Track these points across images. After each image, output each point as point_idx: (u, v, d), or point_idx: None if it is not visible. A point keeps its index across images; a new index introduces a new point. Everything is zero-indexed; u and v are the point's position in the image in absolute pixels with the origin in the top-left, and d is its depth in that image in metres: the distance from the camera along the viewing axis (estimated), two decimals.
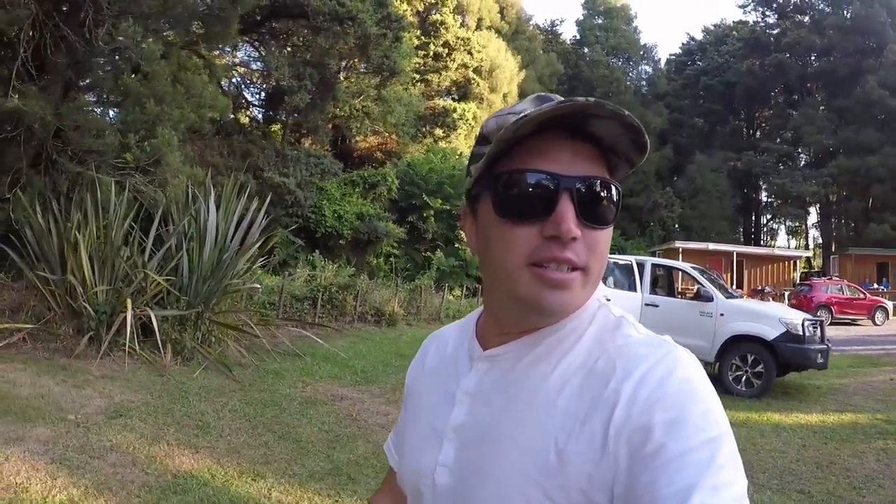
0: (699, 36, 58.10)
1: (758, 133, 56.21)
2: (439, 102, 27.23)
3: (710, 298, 9.93)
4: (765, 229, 57.77)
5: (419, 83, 25.32)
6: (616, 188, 0.83)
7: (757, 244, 47.97)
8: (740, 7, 55.58)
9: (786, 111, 52.31)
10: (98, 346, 7.03)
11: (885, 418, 7.80)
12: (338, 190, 18.38)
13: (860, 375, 11.27)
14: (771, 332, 9.12)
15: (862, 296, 25.73)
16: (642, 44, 53.27)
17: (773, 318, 9.42)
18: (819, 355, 9.08)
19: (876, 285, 32.34)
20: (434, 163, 22.34)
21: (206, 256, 8.57)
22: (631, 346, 0.79)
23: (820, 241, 56.03)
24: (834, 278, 29.66)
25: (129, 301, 7.33)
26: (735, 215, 50.97)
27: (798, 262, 38.04)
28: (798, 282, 33.56)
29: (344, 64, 16.63)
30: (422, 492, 0.92)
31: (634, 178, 44.11)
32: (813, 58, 49.67)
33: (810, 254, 42.90)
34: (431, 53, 26.34)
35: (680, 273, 13.60)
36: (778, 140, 50.75)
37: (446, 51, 27.60)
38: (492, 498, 0.81)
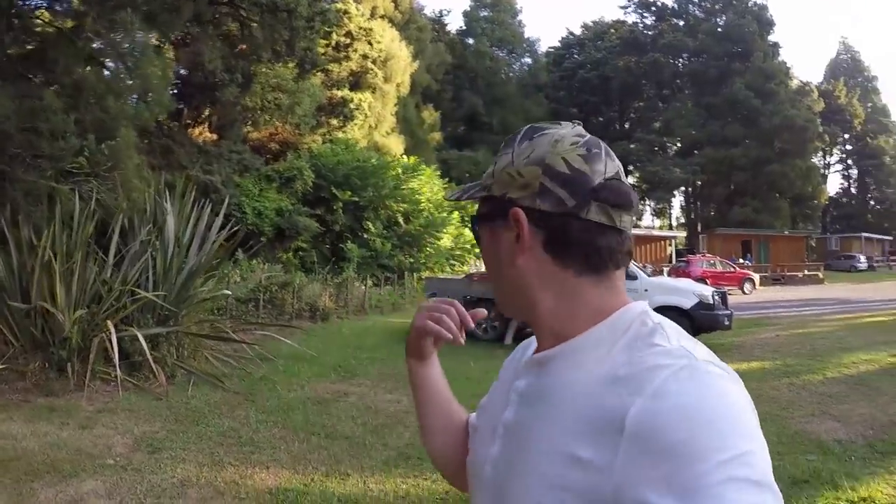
0: (578, 31, 60.52)
1: (628, 125, 59.43)
2: (337, 93, 26.99)
3: (634, 277, 11.34)
4: None
5: (319, 73, 25.02)
6: (473, 216, 1.00)
7: None
8: (621, 8, 59.09)
9: (658, 105, 56.31)
10: (75, 379, 6.67)
11: (783, 363, 9.69)
12: (255, 186, 18.10)
13: (751, 334, 13.27)
14: (687, 303, 11.09)
15: (732, 269, 29.68)
16: (526, 37, 54.83)
17: (688, 291, 11.36)
18: (726, 319, 11.25)
19: (741, 260, 35.93)
20: (340, 155, 22.27)
21: (172, 266, 8.37)
22: (652, 356, 0.78)
23: (683, 221, 60.71)
24: (707, 255, 33.24)
25: (109, 323, 7.01)
26: None
27: (674, 241, 41.03)
28: (675, 259, 36.54)
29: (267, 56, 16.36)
30: (476, 478, 0.98)
31: None
32: (686, 58, 53.39)
33: (684, 234, 46.17)
34: (333, 43, 26.02)
35: None
36: (650, 131, 54.20)
37: (348, 41, 27.37)
38: (516, 496, 0.84)
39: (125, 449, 5.23)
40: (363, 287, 17.46)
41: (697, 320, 10.82)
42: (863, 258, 46.34)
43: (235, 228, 11.49)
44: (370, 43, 28.80)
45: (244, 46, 14.83)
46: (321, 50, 26.42)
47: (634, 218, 0.89)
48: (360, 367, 9.00)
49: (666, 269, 30.64)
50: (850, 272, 42.72)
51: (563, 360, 0.86)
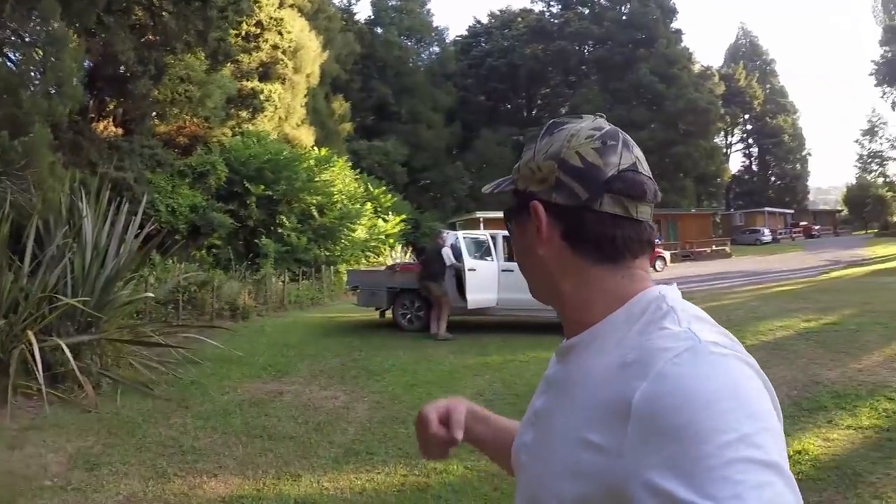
0: (485, 20, 61.10)
1: (534, 111, 60.48)
2: (247, 84, 26.38)
3: None
4: None
5: (230, 64, 24.39)
6: (506, 214, 1.04)
7: None
8: None
9: (565, 91, 57.75)
10: None
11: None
12: (168, 182, 17.53)
13: None
14: None
15: None
16: (434, 26, 54.91)
17: None
18: None
19: None
20: (252, 147, 21.78)
21: (92, 270, 8.08)
22: (658, 340, 0.78)
23: None
24: None
25: (30, 333, 6.66)
26: None
27: None
28: None
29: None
30: (515, 467, 1.01)
31: (426, 154, 45.94)
32: (592, 45, 54.78)
33: None
34: (244, 33, 25.38)
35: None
36: (557, 117, 54.74)
37: (259, 30, 26.75)
38: (539, 480, 0.88)
39: (61, 468, 5.00)
40: (281, 283, 17.24)
41: None
42: (767, 231, 49.24)
43: (152, 227, 11.21)
44: (280, 33, 28.23)
45: (155, 37, 14.32)
46: (231, 40, 25.87)
47: (651, 207, 0.93)
48: (290, 364, 8.97)
49: None
50: (756, 245, 45.42)
51: (584, 347, 0.89)
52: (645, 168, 0.93)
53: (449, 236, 12.08)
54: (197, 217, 17.57)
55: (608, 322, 0.87)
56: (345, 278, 18.98)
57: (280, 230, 20.78)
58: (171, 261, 14.71)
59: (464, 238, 11.84)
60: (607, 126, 0.94)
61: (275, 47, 28.27)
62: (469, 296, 11.15)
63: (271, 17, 27.35)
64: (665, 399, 0.71)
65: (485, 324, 12.38)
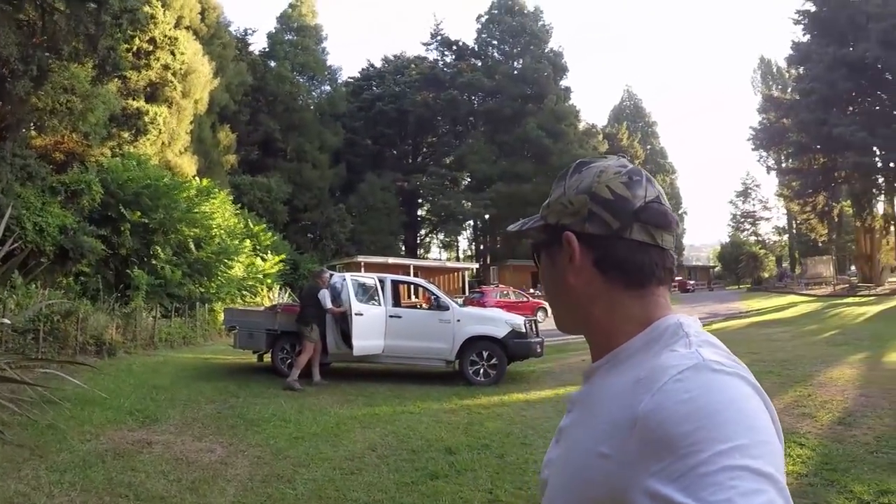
0: (379, 64, 61.46)
1: (420, 158, 61.09)
2: (133, 103, 25.22)
3: (447, 308, 11.46)
4: (419, 243, 62.82)
5: (116, 80, 23.19)
6: (534, 240, 1.11)
7: (414, 256, 51.98)
8: (424, 44, 60.50)
9: (452, 141, 58.66)
10: None
11: None
12: (38, 199, 16.23)
13: (556, 360, 13.81)
14: (501, 332, 11.21)
15: (525, 299, 30.91)
16: (328, 64, 54.50)
17: (501, 320, 11.47)
18: (538, 347, 11.48)
19: (531, 290, 37.93)
20: (132, 171, 20.63)
21: None
22: (666, 358, 0.84)
23: (471, 253, 63.36)
24: (500, 286, 34.88)
25: None
26: (399, 230, 54.73)
27: (466, 272, 42.55)
28: (469, 290, 37.81)
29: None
30: (542, 481, 1.05)
31: (309, 194, 45.29)
32: (482, 97, 55.94)
33: (477, 265, 48.10)
34: (135, 48, 24.31)
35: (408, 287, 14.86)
36: (444, 165, 56.36)
37: (151, 48, 25.71)
38: (558, 491, 0.94)
39: None
40: (152, 318, 16.24)
41: (511, 349, 11.13)
42: None
43: (14, 245, 10.24)
44: (173, 53, 27.32)
45: (42, 38, 13.29)
46: (122, 55, 24.71)
47: (674, 237, 1.00)
48: (159, 410, 8.20)
49: (461, 300, 31.70)
50: None
51: (606, 369, 0.96)
52: (666, 201, 1.00)
53: (333, 277, 11.60)
54: (66, 240, 16.24)
55: (628, 346, 0.94)
56: (220, 317, 18.15)
57: (154, 261, 19.69)
58: (34, 285, 13.63)
59: (351, 280, 11.24)
60: (631, 164, 1.03)
61: (166, 67, 27.30)
62: (355, 342, 10.57)
63: (166, 36, 26.46)
64: (666, 411, 0.76)
65: (370, 372, 12.05)
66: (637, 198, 0.97)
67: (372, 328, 10.95)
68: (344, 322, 10.85)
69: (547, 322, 27.94)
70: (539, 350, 11.52)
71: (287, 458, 6.25)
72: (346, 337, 10.86)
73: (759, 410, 0.79)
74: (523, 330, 11.29)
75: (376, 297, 11.54)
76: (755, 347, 13.63)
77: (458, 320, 11.27)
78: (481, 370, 11.09)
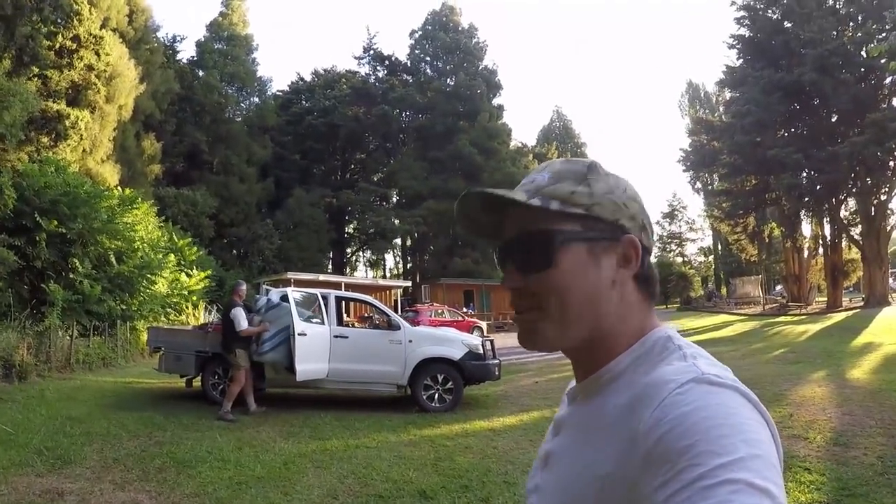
0: (309, 77, 60.29)
1: (349, 174, 60.19)
2: (53, 105, 23.62)
3: (398, 327, 10.58)
4: (346, 261, 61.71)
5: (35, 78, 21.67)
6: (540, 236, 0.94)
7: (341, 273, 50.86)
8: (356, 58, 59.67)
9: (382, 157, 57.85)
10: None
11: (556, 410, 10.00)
12: None
13: (509, 382, 13.16)
14: (457, 353, 10.38)
15: (461, 318, 30.21)
16: (258, 76, 53.04)
17: (457, 341, 10.67)
18: (496, 369, 10.72)
19: (465, 309, 37.56)
20: (49, 176, 19.14)
21: None
22: (663, 373, 0.83)
23: (398, 272, 62.48)
24: (435, 304, 34.22)
25: None
26: (328, 247, 53.55)
27: (399, 290, 41.75)
28: (401, 308, 36.89)
29: None
30: None
31: (236, 209, 43.91)
32: (413, 113, 55.42)
33: (409, 283, 47.20)
34: (57, 46, 22.76)
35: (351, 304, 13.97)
36: (374, 181, 56.14)
37: (74, 46, 24.11)
38: None
39: None
40: (68, 338, 14.95)
41: (468, 371, 10.34)
42: None
43: None
44: (98, 54, 25.74)
45: None
46: (43, 52, 23.18)
47: None
48: (74, 449, 7.09)
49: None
50: None
51: (598, 389, 0.92)
52: None
53: (271, 292, 10.61)
54: None
55: (618, 363, 0.92)
56: (143, 336, 16.94)
57: (72, 275, 18.26)
58: None
59: (293, 296, 10.08)
60: None
61: (89, 68, 25.72)
62: (298, 366, 9.44)
63: (91, 34, 24.89)
64: (668, 426, 0.75)
65: (312, 398, 11.09)
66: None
67: (316, 350, 9.91)
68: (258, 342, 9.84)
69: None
70: (497, 373, 10.79)
71: None
72: (289, 360, 9.78)
73: (758, 424, 0.77)
74: (481, 351, 10.55)
75: (319, 315, 10.57)
76: None
77: (411, 341, 10.40)
78: (436, 395, 10.26)
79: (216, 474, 6.24)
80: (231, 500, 5.51)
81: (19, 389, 11.06)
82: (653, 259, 0.97)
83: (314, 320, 10.51)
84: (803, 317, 30.23)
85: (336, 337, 10.35)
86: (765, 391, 10.05)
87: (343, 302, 12.67)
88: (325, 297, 10.82)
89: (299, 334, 9.54)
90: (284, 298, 9.97)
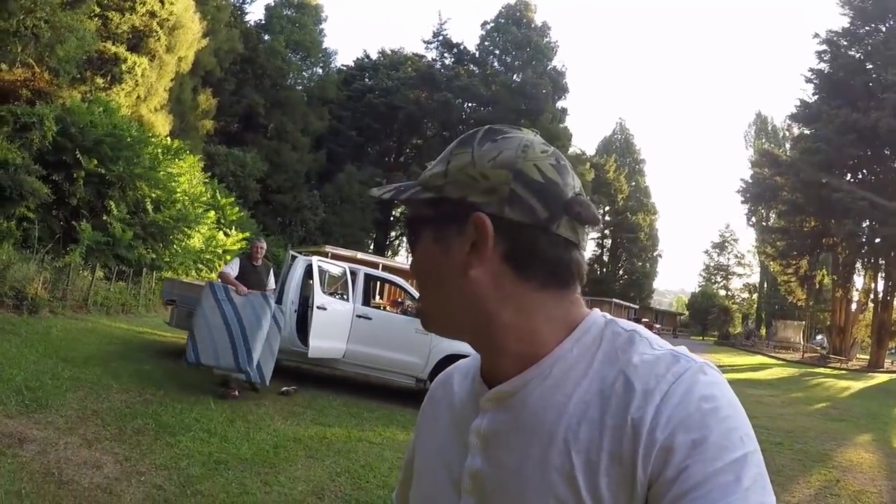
0: (374, 56, 59.86)
1: (403, 157, 59.50)
2: (111, 48, 23.35)
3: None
4: (388, 244, 61.23)
5: (96, 18, 21.37)
6: (407, 224, 0.91)
7: (381, 255, 50.19)
8: (424, 42, 58.88)
9: (438, 144, 56.86)
10: None
11: None
12: None
13: None
14: None
15: None
16: (324, 47, 52.59)
17: None
18: None
19: None
20: (96, 115, 18.73)
21: None
22: (648, 365, 0.76)
23: None
24: None
25: None
26: (371, 228, 53.02)
27: None
28: None
29: None
30: None
31: (285, 175, 43.62)
32: (476, 105, 54.35)
33: None
34: None
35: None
36: (427, 167, 54.12)
37: None
38: None
39: None
40: (90, 277, 14.50)
41: None
42: None
43: None
44: (162, 1, 25.46)
45: None
46: None
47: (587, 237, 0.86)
48: (56, 392, 6.50)
49: None
50: None
51: (535, 386, 0.81)
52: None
53: (292, 257, 9.70)
54: (5, 176, 14.36)
55: (561, 355, 0.81)
56: None
57: (105, 217, 17.91)
58: None
59: (317, 266, 9.35)
60: (551, 146, 0.86)
61: (152, 15, 25.45)
62: (312, 341, 8.61)
63: None
64: (676, 419, 0.70)
65: (324, 378, 10.33)
66: (567, 186, 0.82)
67: (334, 327, 9.11)
68: (304, 314, 9.19)
69: None
70: None
71: (196, 493, 4.52)
72: (303, 333, 9.05)
73: (746, 416, 0.75)
74: None
75: (344, 291, 9.85)
76: (751, 410, 12.39)
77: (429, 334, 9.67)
78: None
79: (196, 447, 5.53)
80: (202, 481, 4.75)
81: (26, 322, 10.56)
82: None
83: (338, 296, 9.83)
84: (843, 372, 28.79)
85: (359, 317, 9.56)
86: (808, 448, 9.32)
87: (373, 282, 11.94)
88: (353, 273, 10.04)
89: (318, 307, 8.74)
90: (309, 267, 9.25)
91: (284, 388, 8.57)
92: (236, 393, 7.75)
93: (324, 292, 9.53)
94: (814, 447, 9.28)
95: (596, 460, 0.73)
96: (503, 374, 0.84)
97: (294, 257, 9.86)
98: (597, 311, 0.87)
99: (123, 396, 6.90)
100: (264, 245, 8.55)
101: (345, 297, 9.76)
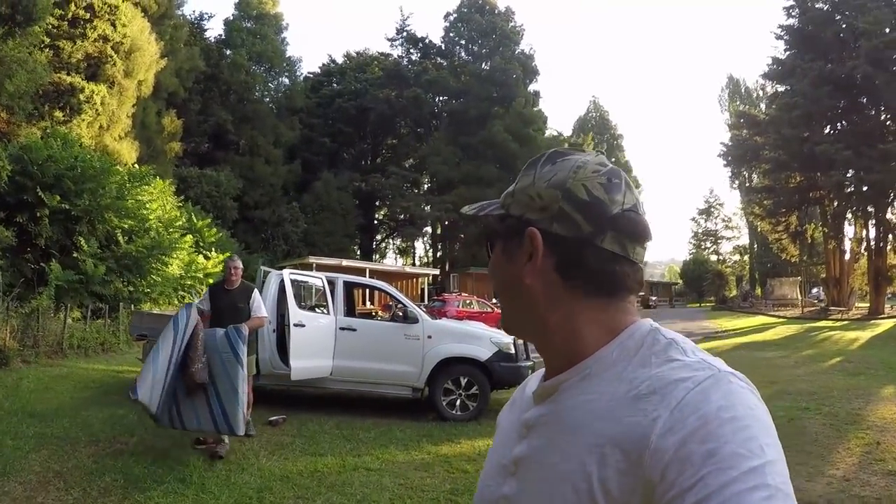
0: (340, 60, 59.20)
1: (379, 159, 59.00)
2: (66, 78, 22.56)
3: (415, 320, 9.03)
4: (375, 247, 60.59)
5: (47, 49, 20.59)
6: (486, 232, 1.03)
7: (369, 260, 49.48)
8: (388, 40, 57.74)
9: (413, 142, 56.49)
10: None
11: None
12: None
13: None
14: (484, 353, 8.85)
15: (490, 309, 28.14)
16: (287, 56, 51.72)
17: (484, 338, 9.07)
18: (529, 372, 8.63)
19: (494, 300, 35.56)
20: (54, 149, 17.94)
21: None
22: (672, 370, 0.78)
23: (428, 260, 61.26)
24: (463, 294, 32.55)
25: None
26: (355, 233, 52.36)
27: (427, 279, 40.34)
28: (429, 297, 35.47)
29: None
30: None
31: (261, 190, 42.94)
32: (447, 98, 53.82)
33: (437, 272, 45.81)
34: (70, 16, 21.66)
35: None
36: (405, 166, 54.86)
37: (88, 16, 22.95)
38: None
39: None
40: (69, 319, 13.81)
41: (496, 374, 8.75)
42: None
43: None
44: (113, 24, 24.60)
45: None
46: (53, 21, 22.10)
47: (645, 251, 0.92)
48: (17, 455, 5.88)
49: (423, 309, 29.60)
50: None
51: (575, 384, 0.86)
52: (643, 211, 0.92)
53: (264, 273, 9.11)
54: None
55: (601, 357, 0.86)
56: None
57: (75, 254, 17.20)
58: None
59: (290, 279, 8.57)
60: (610, 164, 0.93)
61: (105, 39, 24.58)
62: (293, 362, 7.92)
63: (105, 3, 23.69)
64: (693, 427, 0.70)
65: (313, 397, 9.68)
66: (615, 203, 0.88)
67: (316, 344, 8.47)
68: (282, 335, 8.52)
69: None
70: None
71: None
72: (283, 353, 8.38)
73: (772, 424, 0.74)
74: (512, 351, 8.95)
75: (324, 304, 9.20)
76: (767, 375, 12.05)
77: (430, 336, 8.87)
78: (458, 401, 8.75)
79: (168, 501, 4.94)
80: None
81: None
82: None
83: (318, 310, 9.22)
84: (846, 322, 28.46)
85: (343, 329, 8.89)
86: (836, 408, 8.76)
87: (357, 289, 11.29)
88: (332, 283, 9.35)
89: (295, 325, 8.07)
90: (281, 282, 8.60)
91: (272, 418, 7.93)
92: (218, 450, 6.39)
93: (302, 307, 8.94)
94: (842, 408, 8.75)
95: (609, 457, 0.75)
96: (554, 372, 0.91)
97: (266, 273, 9.25)
98: (647, 319, 0.89)
99: (91, 450, 6.26)
100: (239, 265, 7.25)
101: (325, 309, 9.12)
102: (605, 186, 0.88)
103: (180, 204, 27.42)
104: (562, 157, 0.93)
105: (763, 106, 51.13)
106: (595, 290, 0.87)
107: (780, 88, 37.38)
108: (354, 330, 9.06)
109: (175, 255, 21.06)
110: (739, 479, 0.66)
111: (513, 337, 9.05)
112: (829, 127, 34.28)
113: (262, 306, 6.95)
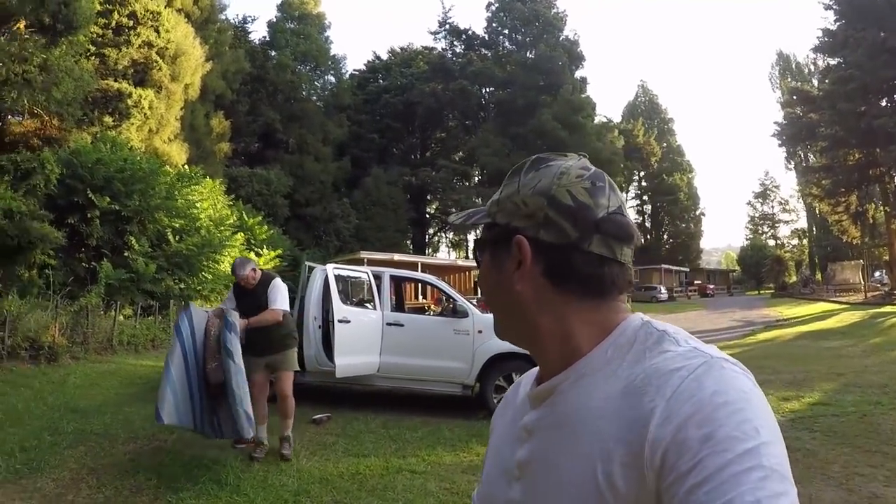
0: (385, 56, 59.35)
1: (428, 153, 58.84)
2: (114, 84, 22.86)
3: (465, 314, 8.64)
4: (428, 242, 60.42)
5: (93, 57, 20.88)
6: (475, 240, 1.05)
7: (422, 255, 49.26)
8: (431, 33, 58.01)
9: (462, 134, 56.10)
10: None
11: None
12: None
13: None
14: None
15: None
16: (332, 54, 51.95)
17: None
18: None
19: None
20: (103, 153, 18.18)
21: None
22: (665, 360, 0.79)
23: None
24: None
25: None
26: (407, 228, 52.31)
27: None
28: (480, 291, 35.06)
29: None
30: None
31: (311, 188, 43.06)
32: (494, 88, 53.30)
33: None
34: (114, 24, 21.97)
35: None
36: (454, 159, 54.75)
37: (131, 23, 23.28)
38: None
39: None
40: (120, 316, 13.90)
41: None
42: (663, 289, 49.61)
43: None
44: (157, 30, 24.88)
45: None
46: (98, 30, 22.44)
47: (633, 251, 0.92)
48: (53, 451, 5.74)
49: (475, 301, 29.21)
50: (652, 302, 44.81)
51: (571, 386, 0.87)
52: (627, 212, 0.92)
53: (309, 268, 8.87)
54: (11, 225, 13.59)
55: (595, 356, 0.86)
56: None
57: (126, 253, 17.39)
58: None
59: (333, 274, 8.23)
60: (593, 167, 0.93)
61: (149, 45, 24.88)
62: (338, 359, 7.64)
63: (148, 10, 23.96)
64: (687, 414, 0.71)
65: (360, 395, 9.41)
66: (599, 207, 0.88)
67: (363, 340, 8.17)
68: (327, 330, 8.24)
69: None
70: None
71: None
72: (328, 349, 8.08)
73: (768, 407, 0.75)
74: None
75: (370, 299, 8.90)
76: (833, 366, 11.37)
77: (480, 331, 8.38)
78: None
79: (202, 503, 4.71)
80: None
81: (43, 372, 9.95)
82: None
83: (364, 305, 8.93)
84: None
85: (390, 325, 8.59)
86: None
87: (406, 284, 10.97)
88: (377, 277, 9.07)
89: (339, 321, 7.81)
90: (325, 278, 8.34)
91: (316, 417, 7.69)
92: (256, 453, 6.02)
93: (348, 302, 8.67)
94: None
95: (612, 451, 0.76)
96: (549, 375, 0.91)
97: (311, 268, 9.02)
98: (637, 314, 0.90)
99: (129, 447, 6.11)
100: (246, 269, 6.13)
101: (372, 304, 8.84)
102: (589, 191, 0.88)
103: (231, 203, 27.65)
104: (544, 163, 0.94)
105: (816, 81, 49.17)
106: (585, 293, 0.88)
107: (833, 62, 36.19)
108: (402, 325, 8.75)
109: (226, 253, 21.16)
110: (735, 460, 0.67)
111: None
112: (885, 99, 32.83)
113: (278, 298, 6.12)
